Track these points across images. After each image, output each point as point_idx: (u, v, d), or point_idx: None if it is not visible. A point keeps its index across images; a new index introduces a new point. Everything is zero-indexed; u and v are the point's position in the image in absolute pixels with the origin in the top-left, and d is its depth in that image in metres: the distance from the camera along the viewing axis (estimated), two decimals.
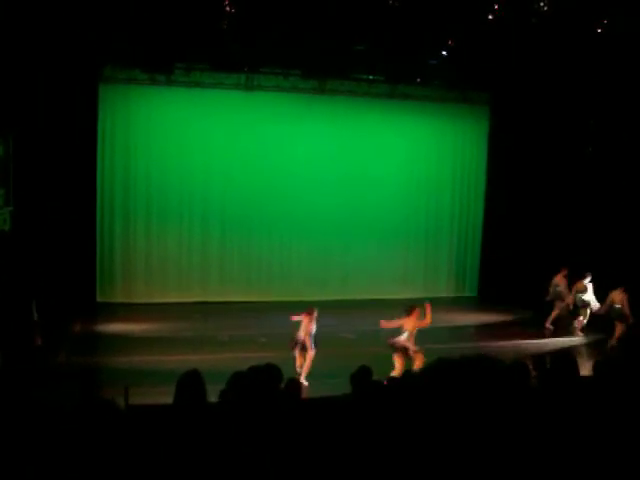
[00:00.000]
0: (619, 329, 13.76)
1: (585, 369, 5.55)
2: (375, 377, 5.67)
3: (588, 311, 15.01)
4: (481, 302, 19.32)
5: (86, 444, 4.46)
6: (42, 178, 14.79)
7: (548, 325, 15.38)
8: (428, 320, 10.96)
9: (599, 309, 14.49)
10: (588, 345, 14.37)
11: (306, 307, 11.47)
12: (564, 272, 15.25)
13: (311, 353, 11.09)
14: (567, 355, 5.56)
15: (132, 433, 4.50)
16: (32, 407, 5.20)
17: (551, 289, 15.39)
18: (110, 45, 14.69)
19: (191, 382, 4.53)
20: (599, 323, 14.62)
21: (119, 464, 4.13)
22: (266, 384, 4.41)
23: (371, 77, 18.07)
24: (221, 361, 12.41)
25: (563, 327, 15.22)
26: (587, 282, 14.93)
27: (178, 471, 3.93)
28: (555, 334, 14.88)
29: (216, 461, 3.86)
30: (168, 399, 4.68)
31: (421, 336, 14.63)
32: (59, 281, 12.35)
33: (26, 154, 14.05)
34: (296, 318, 11.31)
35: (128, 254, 17.43)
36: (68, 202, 15.33)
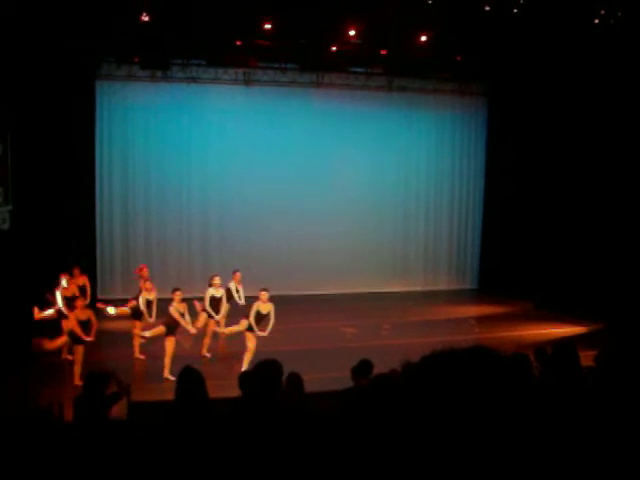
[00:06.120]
0: None
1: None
2: (376, 370, 5.67)
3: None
4: (482, 294, 19.33)
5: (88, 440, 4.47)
6: (41, 176, 14.75)
7: None
8: None
9: None
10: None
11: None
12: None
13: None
14: (568, 345, 5.56)
15: (134, 431, 4.51)
16: (34, 405, 5.21)
17: None
18: (107, 42, 14.66)
19: (190, 378, 4.53)
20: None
21: (123, 460, 4.14)
22: (268, 379, 4.40)
23: (369, 70, 18.05)
24: (220, 355, 12.48)
25: None
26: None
27: (181, 467, 3.93)
28: None
29: (219, 457, 3.86)
30: (170, 395, 4.69)
31: (422, 329, 14.67)
32: (59, 279, 12.35)
33: (24, 152, 14.01)
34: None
35: (128, 250, 17.46)
36: (67, 200, 15.31)
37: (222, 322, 12.75)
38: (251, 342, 11.20)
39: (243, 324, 11.32)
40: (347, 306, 16.86)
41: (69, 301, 11.72)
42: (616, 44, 14.25)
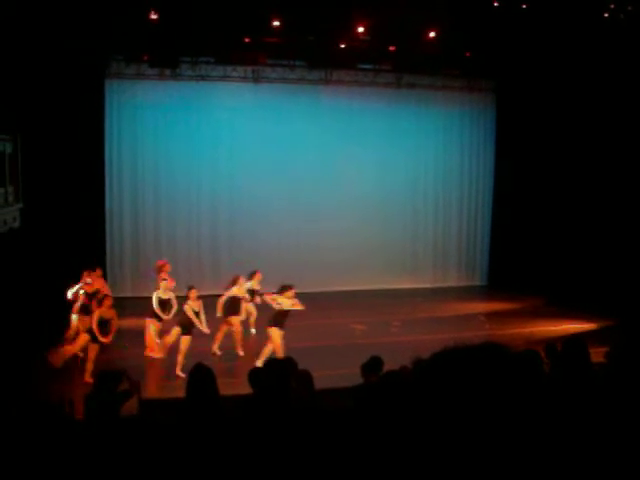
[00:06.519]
0: None
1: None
2: (386, 367, 5.67)
3: None
4: (492, 291, 19.28)
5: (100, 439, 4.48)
6: (51, 174, 14.83)
7: None
8: None
9: None
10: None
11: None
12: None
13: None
14: (578, 342, 5.54)
15: (145, 429, 4.52)
16: (44, 402, 5.23)
17: None
18: (116, 41, 14.71)
19: (201, 376, 4.54)
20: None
21: (133, 458, 4.15)
22: (279, 376, 4.41)
23: (377, 67, 18.02)
24: (230, 354, 12.50)
25: None
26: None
27: (192, 464, 3.94)
28: None
29: (229, 454, 3.87)
30: (180, 393, 4.71)
31: (432, 325, 14.67)
32: (69, 278, 12.41)
33: (34, 151, 14.09)
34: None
35: (137, 248, 17.50)
36: (77, 198, 15.36)
37: (238, 323, 12.64)
38: (275, 339, 11.15)
39: (274, 331, 11.18)
40: (356, 303, 16.85)
41: (91, 297, 11.72)
42: (626, 39, 14.17)
